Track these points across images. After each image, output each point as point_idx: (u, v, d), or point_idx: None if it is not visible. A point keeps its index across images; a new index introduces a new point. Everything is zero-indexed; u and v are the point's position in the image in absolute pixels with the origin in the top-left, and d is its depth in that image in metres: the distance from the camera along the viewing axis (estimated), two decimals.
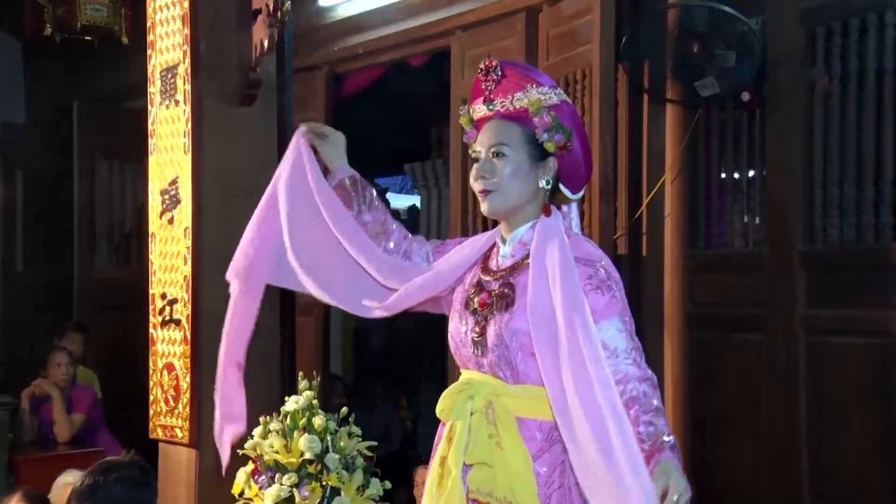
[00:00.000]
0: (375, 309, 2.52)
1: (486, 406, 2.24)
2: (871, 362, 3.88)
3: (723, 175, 4.47)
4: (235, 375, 2.75)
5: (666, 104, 4.49)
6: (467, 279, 2.41)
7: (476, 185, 2.33)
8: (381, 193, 10.31)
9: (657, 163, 4.52)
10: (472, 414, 2.25)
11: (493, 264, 2.38)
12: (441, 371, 5.23)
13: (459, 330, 2.35)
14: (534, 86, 2.29)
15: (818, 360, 4.01)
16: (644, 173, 4.55)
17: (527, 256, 2.28)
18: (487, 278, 2.35)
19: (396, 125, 8.16)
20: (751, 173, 4.40)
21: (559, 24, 4.56)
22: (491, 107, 2.34)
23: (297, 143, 2.61)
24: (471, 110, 2.42)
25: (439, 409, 2.34)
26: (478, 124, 2.41)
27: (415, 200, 10.11)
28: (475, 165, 2.34)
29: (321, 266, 2.55)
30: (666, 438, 2.05)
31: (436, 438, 2.40)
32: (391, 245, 2.56)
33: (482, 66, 2.35)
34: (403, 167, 8.98)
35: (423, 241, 2.59)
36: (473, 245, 2.46)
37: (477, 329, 2.30)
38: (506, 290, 2.28)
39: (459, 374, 2.41)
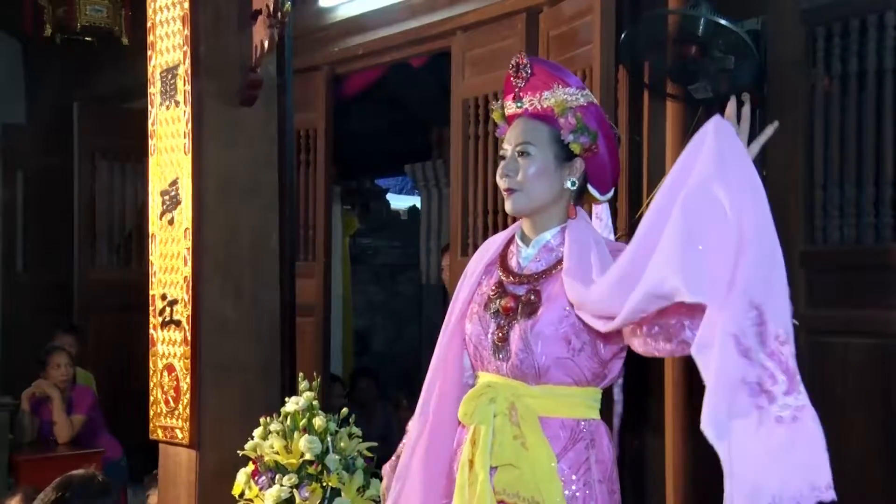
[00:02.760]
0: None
1: (509, 407, 2.23)
2: (872, 363, 3.87)
3: None
4: None
5: (666, 105, 4.49)
6: (484, 280, 2.40)
7: (501, 184, 2.32)
8: (382, 194, 10.32)
9: (657, 163, 4.52)
10: (495, 416, 2.24)
11: (513, 264, 2.36)
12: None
13: (479, 332, 2.33)
14: (561, 86, 2.28)
15: (818, 361, 4.00)
16: (644, 174, 4.54)
17: (554, 265, 2.28)
18: (510, 279, 2.33)
19: (397, 126, 8.17)
20: None
21: (559, 25, 4.56)
22: (519, 104, 2.34)
23: None
24: (504, 105, 2.41)
25: (461, 413, 2.32)
26: (509, 120, 2.40)
27: (415, 201, 10.12)
28: (501, 163, 2.33)
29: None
30: None
31: (455, 442, 2.38)
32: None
33: (513, 62, 2.34)
34: (404, 168, 8.99)
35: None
36: (486, 252, 2.44)
37: (499, 333, 2.29)
38: (532, 298, 2.27)
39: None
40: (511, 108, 2.37)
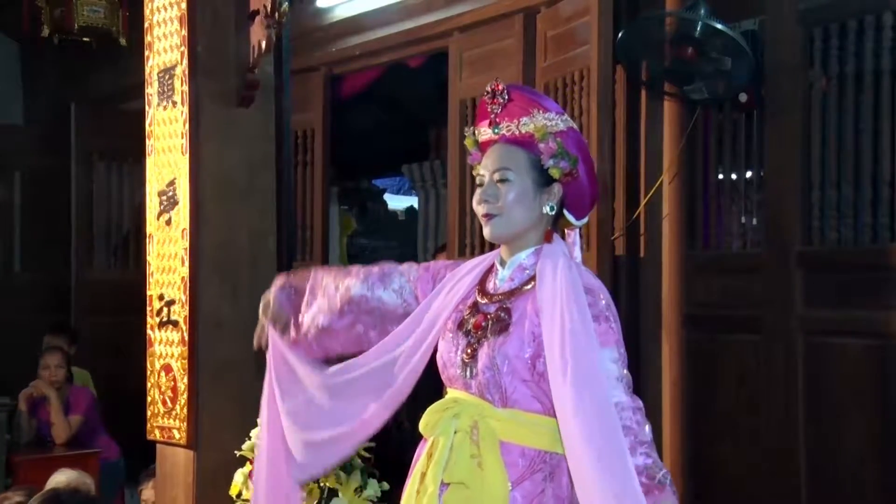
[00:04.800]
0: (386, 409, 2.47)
1: (471, 426, 2.22)
2: (869, 363, 3.88)
3: (720, 176, 4.48)
4: None
5: (664, 105, 4.49)
6: (462, 301, 2.38)
7: (479, 209, 2.31)
8: (379, 194, 10.32)
9: (655, 163, 4.52)
10: (455, 432, 2.23)
11: (490, 286, 2.35)
12: (439, 372, 5.23)
13: (449, 349, 2.33)
14: (540, 111, 2.27)
15: (816, 361, 4.01)
16: (642, 174, 4.55)
17: (526, 282, 2.28)
18: (484, 301, 2.33)
19: (394, 126, 8.17)
20: (748, 174, 4.40)
21: (557, 25, 4.56)
22: (496, 130, 2.32)
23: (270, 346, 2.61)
24: (476, 132, 2.40)
25: (423, 424, 2.32)
26: (482, 147, 2.39)
27: (412, 201, 10.12)
28: (479, 189, 2.32)
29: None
30: (662, 475, 2.06)
31: (416, 454, 2.38)
32: (368, 293, 2.52)
33: (489, 88, 2.33)
34: (401, 168, 8.99)
35: (402, 273, 2.55)
36: (470, 272, 2.43)
37: (468, 350, 2.28)
38: (502, 315, 2.26)
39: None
40: (486, 134, 2.36)
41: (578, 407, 2.08)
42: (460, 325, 2.33)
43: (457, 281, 2.42)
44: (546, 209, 2.30)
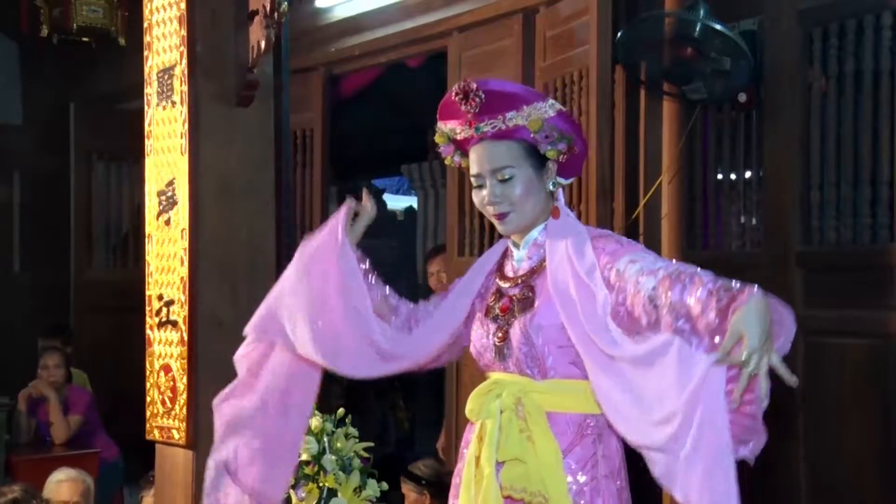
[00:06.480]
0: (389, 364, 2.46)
1: (516, 402, 2.26)
2: (869, 363, 3.88)
3: (720, 176, 4.48)
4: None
5: (663, 105, 4.49)
6: (485, 290, 2.43)
7: (489, 210, 2.32)
8: (378, 194, 10.31)
9: (654, 164, 4.53)
10: (501, 412, 2.27)
11: (508, 270, 2.39)
12: (439, 373, 5.23)
13: (481, 336, 2.37)
14: (527, 104, 2.27)
15: (815, 361, 4.01)
16: (641, 174, 4.55)
17: (544, 259, 2.31)
18: (506, 285, 2.37)
19: (393, 126, 8.16)
20: (748, 174, 4.41)
21: (556, 26, 4.56)
22: (479, 130, 2.31)
23: (342, 212, 2.56)
24: (449, 131, 2.39)
25: (468, 409, 2.37)
26: (461, 144, 2.39)
27: (412, 201, 10.12)
28: (481, 192, 2.31)
29: (330, 330, 2.49)
30: (736, 284, 1.99)
31: (462, 442, 2.42)
32: (397, 320, 2.53)
33: (458, 89, 2.30)
34: (400, 168, 8.98)
35: (426, 304, 2.56)
36: (482, 262, 2.47)
37: (499, 334, 2.32)
38: (526, 293, 2.30)
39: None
40: (465, 132, 2.34)
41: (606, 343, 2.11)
42: (487, 311, 2.37)
43: (469, 279, 2.46)
44: (549, 187, 2.34)
